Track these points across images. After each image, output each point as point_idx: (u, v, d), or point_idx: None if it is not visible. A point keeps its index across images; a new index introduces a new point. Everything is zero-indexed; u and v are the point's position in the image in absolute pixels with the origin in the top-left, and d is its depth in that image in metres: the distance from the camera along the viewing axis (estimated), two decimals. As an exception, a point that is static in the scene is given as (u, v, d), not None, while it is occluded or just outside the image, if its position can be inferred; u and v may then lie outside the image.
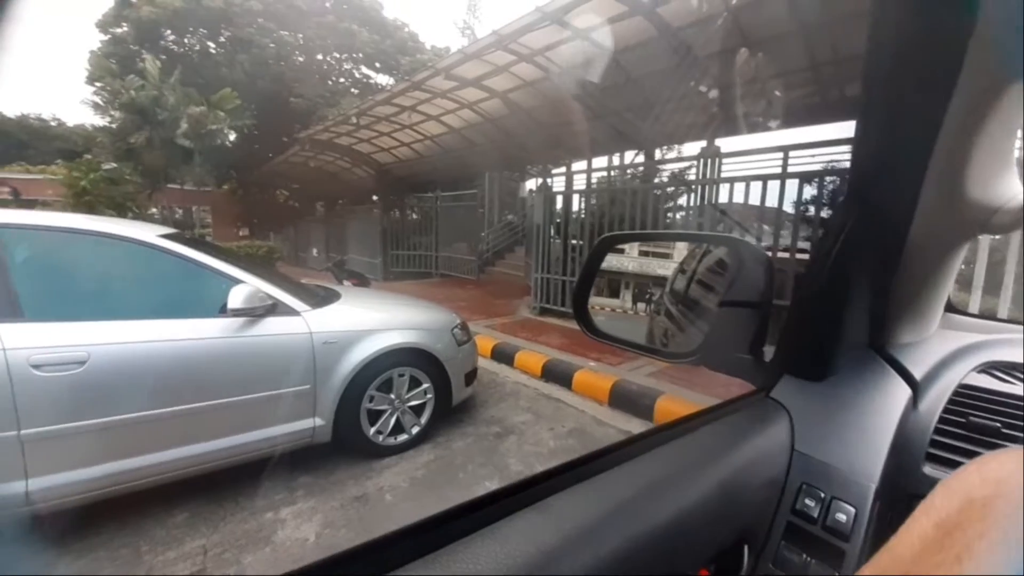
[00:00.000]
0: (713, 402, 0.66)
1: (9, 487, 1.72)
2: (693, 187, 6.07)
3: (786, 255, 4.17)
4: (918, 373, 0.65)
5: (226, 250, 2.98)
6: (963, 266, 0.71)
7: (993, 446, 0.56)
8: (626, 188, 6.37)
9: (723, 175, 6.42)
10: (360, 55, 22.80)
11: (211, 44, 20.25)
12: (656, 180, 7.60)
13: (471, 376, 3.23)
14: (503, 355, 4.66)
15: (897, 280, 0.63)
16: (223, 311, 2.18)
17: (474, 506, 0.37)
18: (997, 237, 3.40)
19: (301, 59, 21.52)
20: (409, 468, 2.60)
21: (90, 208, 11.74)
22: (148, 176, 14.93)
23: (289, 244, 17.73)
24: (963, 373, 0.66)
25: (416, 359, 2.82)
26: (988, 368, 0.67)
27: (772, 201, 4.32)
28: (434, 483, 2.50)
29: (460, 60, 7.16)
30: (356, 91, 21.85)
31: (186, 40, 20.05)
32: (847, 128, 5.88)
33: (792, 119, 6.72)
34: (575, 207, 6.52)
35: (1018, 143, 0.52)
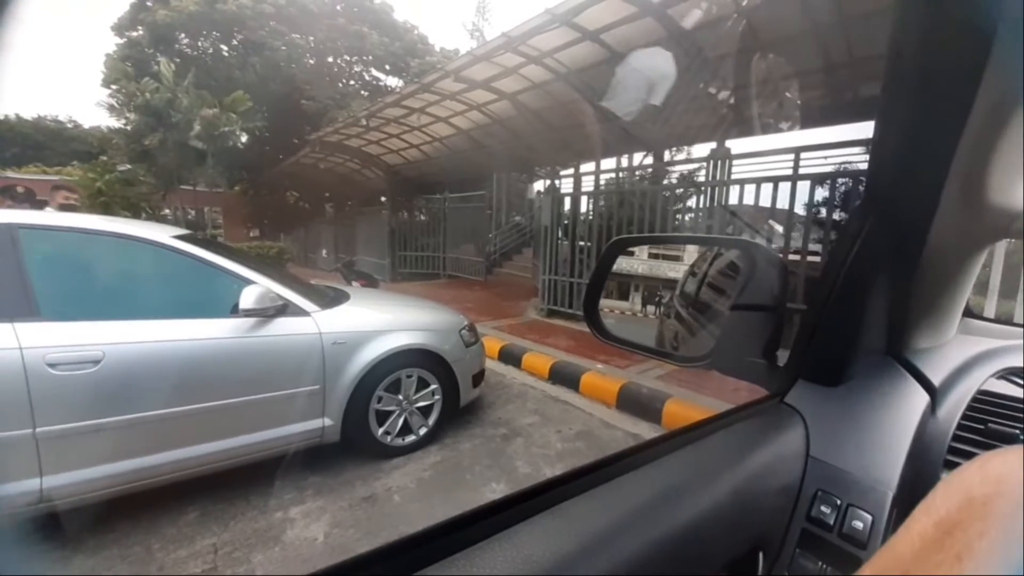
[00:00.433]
0: (723, 406, 0.66)
1: (24, 484, 1.74)
2: (703, 189, 6.03)
3: (797, 258, 4.13)
4: (936, 379, 0.64)
5: (238, 251, 3.01)
6: (980, 270, 0.70)
7: None
8: (635, 190, 6.35)
9: (734, 177, 6.38)
10: (370, 57, 22.96)
11: (224, 47, 20.52)
12: (665, 182, 7.57)
13: (478, 377, 3.24)
14: (510, 357, 4.65)
15: (915, 285, 0.62)
16: (235, 311, 2.21)
17: (491, 510, 0.37)
18: (1013, 241, 3.34)
19: (312, 62, 21.72)
20: (417, 469, 2.61)
21: (105, 209, 11.93)
22: (162, 177, 15.14)
23: (299, 245, 17.87)
24: (982, 379, 0.65)
25: (424, 360, 2.82)
26: (1007, 374, 0.66)
27: (783, 203, 4.29)
28: (442, 484, 2.50)
29: (469, 62, 7.19)
30: (366, 93, 22.00)
31: (200, 43, 20.33)
32: (860, 129, 5.82)
33: (804, 120, 6.67)
34: (583, 209, 6.51)
35: None
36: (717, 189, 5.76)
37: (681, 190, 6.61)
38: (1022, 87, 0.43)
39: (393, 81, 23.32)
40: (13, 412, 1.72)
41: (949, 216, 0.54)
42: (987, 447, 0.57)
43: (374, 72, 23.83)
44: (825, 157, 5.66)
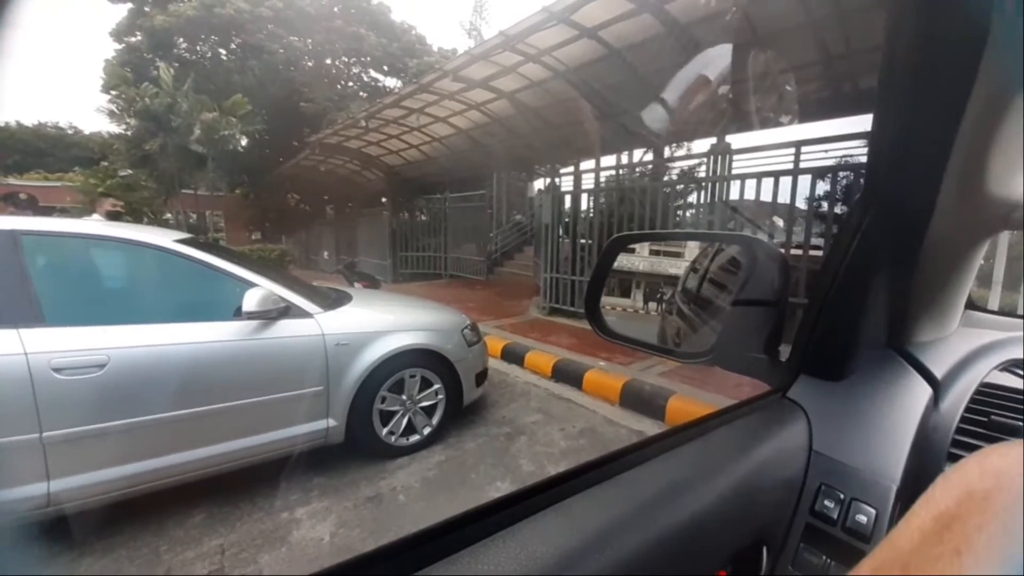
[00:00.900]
0: (726, 402, 0.66)
1: (32, 488, 1.75)
2: (703, 184, 6.02)
3: (799, 252, 4.11)
4: (939, 372, 0.64)
5: (240, 254, 3.02)
6: (982, 262, 0.70)
7: None
8: (635, 186, 6.34)
9: (734, 172, 6.36)
10: (368, 59, 22.95)
11: (222, 51, 20.53)
12: (665, 178, 7.55)
13: (482, 377, 3.24)
14: (513, 355, 4.66)
15: (916, 277, 0.62)
16: (238, 314, 2.21)
17: (494, 508, 0.37)
18: (1016, 232, 3.33)
19: (310, 64, 21.72)
20: (421, 469, 2.62)
21: (108, 214, 11.96)
22: (163, 182, 15.17)
23: (301, 247, 17.91)
24: (985, 371, 0.65)
25: (427, 360, 2.83)
26: (1010, 366, 0.66)
27: (784, 198, 4.27)
28: (446, 484, 2.51)
29: (467, 62, 7.18)
30: (364, 94, 22.01)
31: (198, 48, 20.35)
32: (860, 122, 5.79)
33: (804, 114, 6.63)
34: (584, 206, 6.51)
35: None
36: (717, 185, 5.75)
37: (681, 186, 6.59)
38: (1020, 77, 0.43)
39: (392, 82, 23.31)
40: (20, 417, 1.73)
41: (949, 208, 0.54)
42: (991, 440, 0.57)
43: (372, 73, 23.83)
44: (826, 151, 5.63)
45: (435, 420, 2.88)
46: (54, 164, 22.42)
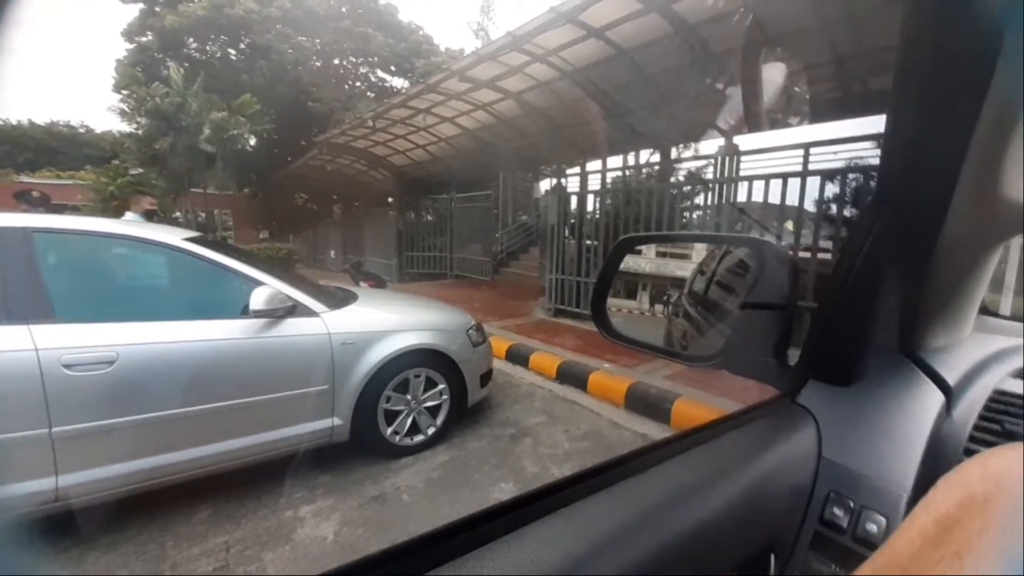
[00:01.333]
0: (732, 406, 0.65)
1: (40, 483, 1.77)
2: (711, 185, 5.98)
3: (807, 255, 4.08)
4: (951, 378, 0.63)
5: (247, 252, 3.04)
6: (994, 266, 0.69)
7: None
8: (642, 187, 6.31)
9: (742, 173, 6.33)
10: (376, 59, 23.09)
11: (232, 51, 20.73)
12: (672, 179, 7.52)
13: (486, 377, 3.24)
14: (518, 356, 4.65)
15: (928, 282, 0.61)
16: (245, 312, 2.23)
17: (500, 511, 0.37)
18: (1031, 235, 3.28)
19: (318, 64, 21.88)
20: (425, 469, 2.62)
21: (118, 212, 12.11)
22: (172, 181, 15.35)
23: (308, 246, 18.02)
24: (998, 378, 0.63)
25: (432, 360, 2.83)
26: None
27: (793, 199, 4.23)
28: (450, 484, 2.51)
29: (474, 62, 7.20)
30: (372, 95, 22.12)
31: (208, 48, 20.56)
32: (870, 123, 5.74)
33: (813, 115, 6.59)
34: (590, 207, 6.49)
35: None
36: (725, 186, 5.71)
37: (689, 187, 6.56)
38: None
39: (399, 82, 23.43)
40: (30, 412, 1.75)
41: (962, 211, 0.53)
42: None
43: (380, 73, 23.97)
44: (835, 152, 5.58)
45: (439, 420, 2.88)
46: (65, 162, 22.71)
